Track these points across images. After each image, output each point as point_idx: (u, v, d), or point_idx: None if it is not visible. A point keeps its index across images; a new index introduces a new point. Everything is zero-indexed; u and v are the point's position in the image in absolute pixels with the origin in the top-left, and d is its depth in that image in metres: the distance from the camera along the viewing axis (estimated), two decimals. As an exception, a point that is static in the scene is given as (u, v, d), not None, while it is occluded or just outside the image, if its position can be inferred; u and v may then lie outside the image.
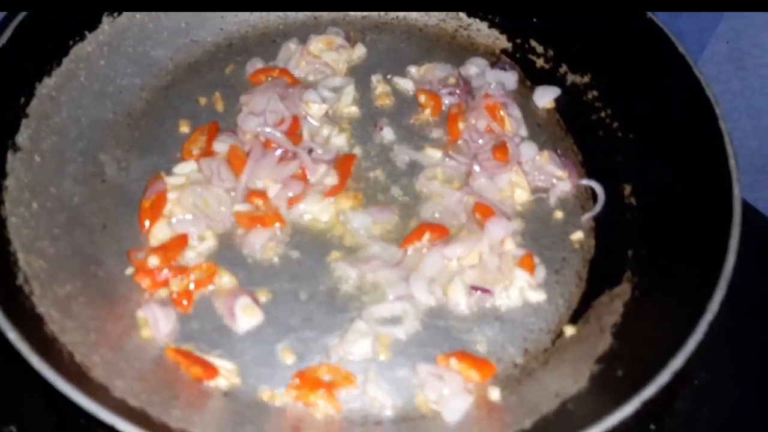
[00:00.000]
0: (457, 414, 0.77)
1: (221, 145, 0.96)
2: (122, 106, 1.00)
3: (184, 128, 1.00)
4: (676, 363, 0.67)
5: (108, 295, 0.83)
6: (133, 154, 0.97)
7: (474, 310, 0.85)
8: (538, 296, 0.86)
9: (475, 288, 0.85)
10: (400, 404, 0.79)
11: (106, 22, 1.00)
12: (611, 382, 0.72)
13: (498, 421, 0.75)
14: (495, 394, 0.79)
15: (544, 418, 0.72)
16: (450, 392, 0.79)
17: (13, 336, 0.66)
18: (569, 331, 0.84)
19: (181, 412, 0.72)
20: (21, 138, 0.88)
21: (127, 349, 0.79)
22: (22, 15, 0.89)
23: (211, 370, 0.80)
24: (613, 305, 0.83)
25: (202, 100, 1.03)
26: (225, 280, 0.85)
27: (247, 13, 1.10)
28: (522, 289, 0.86)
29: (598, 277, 0.87)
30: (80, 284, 0.82)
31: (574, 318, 0.85)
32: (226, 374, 0.80)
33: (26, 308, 0.73)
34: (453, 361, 0.80)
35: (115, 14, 1.01)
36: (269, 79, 1.04)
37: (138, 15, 1.03)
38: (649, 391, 0.66)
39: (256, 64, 1.07)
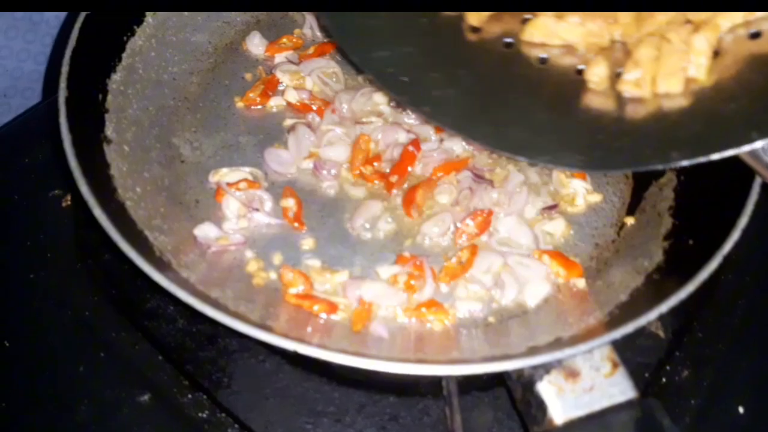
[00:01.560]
0: (537, 299, 0.89)
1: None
2: (179, 92, 1.06)
3: (240, 104, 1.07)
4: (743, 221, 0.80)
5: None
6: (201, 133, 1.04)
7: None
8: (595, 198, 0.98)
9: (544, 209, 0.96)
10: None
11: (149, 15, 1.06)
12: (686, 251, 0.85)
13: (593, 303, 0.87)
14: (580, 283, 0.91)
15: (636, 291, 0.84)
16: (532, 277, 0.90)
17: (183, 296, 0.74)
18: (630, 221, 0.96)
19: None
20: (108, 131, 0.94)
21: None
22: (81, 17, 0.95)
23: (333, 306, 0.89)
24: (663, 192, 0.95)
25: (248, 76, 1.10)
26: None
27: (268, -10, 1.17)
28: (583, 195, 0.97)
29: (643, 173, 1.00)
30: (198, 251, 0.90)
31: (631, 210, 0.97)
32: (345, 308, 0.89)
33: (174, 274, 0.81)
34: (545, 257, 0.91)
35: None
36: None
37: (173, 4, 1.09)
38: (726, 248, 0.78)
39: (254, 39, 1.13)
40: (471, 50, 0.88)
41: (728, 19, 0.78)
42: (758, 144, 0.73)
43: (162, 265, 0.80)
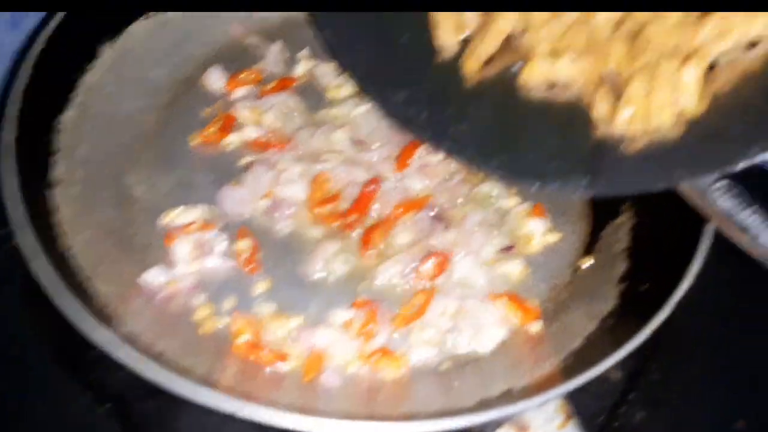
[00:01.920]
0: (492, 343, 0.87)
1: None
2: (134, 129, 1.04)
3: (196, 140, 1.06)
4: (694, 268, 0.79)
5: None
6: (155, 172, 1.02)
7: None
8: (553, 237, 0.97)
9: (501, 250, 0.95)
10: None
11: (105, 50, 1.04)
12: (640, 295, 0.84)
13: (547, 349, 0.86)
14: (536, 327, 0.90)
15: (590, 337, 0.83)
16: (488, 321, 0.89)
17: (122, 354, 0.72)
18: (586, 262, 0.95)
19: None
20: (58, 172, 0.92)
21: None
22: (35, 54, 0.93)
23: (282, 356, 0.87)
24: (619, 233, 0.94)
25: (206, 112, 1.09)
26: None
27: (228, 23, 1.16)
28: (540, 234, 0.96)
29: (600, 211, 0.99)
30: (145, 299, 0.88)
31: (588, 250, 0.96)
32: (296, 357, 0.88)
33: (116, 329, 0.79)
34: (502, 300, 0.90)
35: (112, 41, 1.05)
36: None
37: (131, 39, 1.07)
38: (679, 293, 0.77)
39: (213, 73, 1.11)
40: (476, 86, 0.89)
41: (718, 47, 0.77)
42: (759, 158, 0.72)
43: (104, 319, 0.78)
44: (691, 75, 0.76)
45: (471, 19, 0.89)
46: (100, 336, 0.74)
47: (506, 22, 0.85)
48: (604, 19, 0.80)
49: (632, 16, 0.79)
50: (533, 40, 0.84)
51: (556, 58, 0.83)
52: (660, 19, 0.78)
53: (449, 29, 0.89)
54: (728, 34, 0.75)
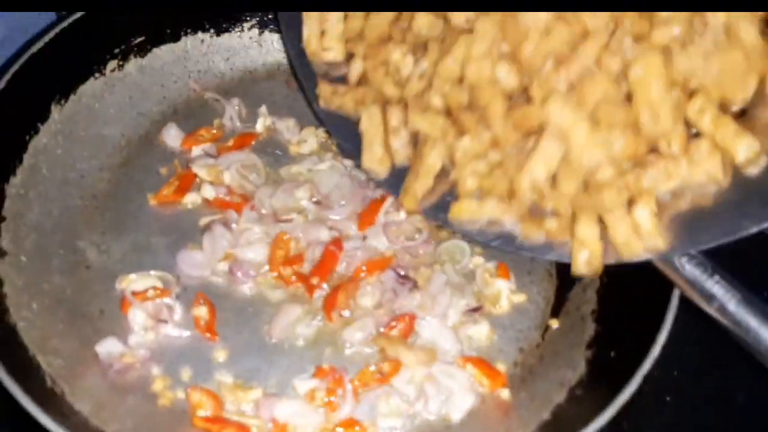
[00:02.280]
0: (461, 411, 0.85)
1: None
2: (87, 190, 1.01)
3: (153, 201, 1.02)
4: (662, 338, 0.78)
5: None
6: (109, 235, 0.98)
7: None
8: (519, 298, 0.96)
9: (468, 311, 0.93)
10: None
11: (55, 111, 1.01)
12: (608, 364, 0.83)
13: (517, 419, 0.84)
14: (505, 394, 0.88)
15: (558, 407, 0.82)
16: (456, 388, 0.86)
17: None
18: (554, 324, 0.94)
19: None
20: (4, 242, 0.88)
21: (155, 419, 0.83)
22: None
23: (245, 429, 0.84)
24: (586, 294, 0.93)
25: (163, 171, 1.06)
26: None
27: (186, 78, 1.13)
28: (507, 295, 0.95)
29: (566, 271, 0.98)
30: (98, 372, 0.84)
31: (556, 312, 0.95)
32: (258, 430, 0.84)
33: (65, 409, 0.75)
34: (469, 365, 0.88)
35: (63, 101, 1.02)
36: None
37: (83, 98, 1.04)
38: (647, 365, 0.76)
39: (170, 131, 1.09)
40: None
41: (665, 186, 0.77)
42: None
43: (53, 399, 0.74)
44: (643, 215, 0.76)
45: (399, 151, 0.90)
46: (48, 422, 0.70)
47: (436, 158, 0.86)
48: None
49: (569, 164, 0.79)
50: (461, 176, 0.85)
51: (483, 198, 0.85)
52: (603, 169, 0.78)
53: (374, 160, 0.91)
54: (671, 178, 0.76)
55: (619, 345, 0.84)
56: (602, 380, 0.81)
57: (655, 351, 0.77)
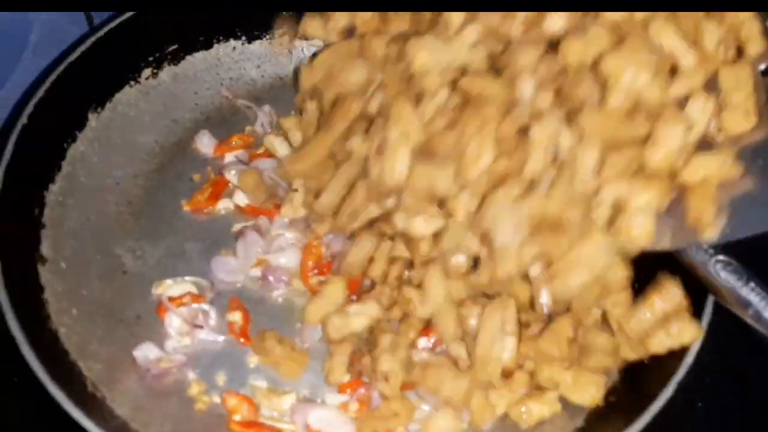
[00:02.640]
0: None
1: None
2: (122, 197, 1.02)
3: (186, 207, 1.04)
4: (696, 343, 0.78)
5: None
6: (145, 241, 1.00)
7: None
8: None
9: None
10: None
11: (92, 119, 1.03)
12: (642, 371, 0.83)
13: (550, 426, 0.84)
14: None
15: (592, 414, 0.82)
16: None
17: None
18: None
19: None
20: (44, 248, 0.90)
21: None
22: (19, 127, 0.92)
23: (281, 435, 0.85)
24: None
25: (196, 177, 1.07)
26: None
27: (218, 85, 1.15)
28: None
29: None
30: (136, 377, 0.86)
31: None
32: (293, 436, 0.86)
33: (106, 414, 0.77)
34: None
35: (99, 109, 1.04)
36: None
37: (119, 106, 1.06)
38: (681, 373, 0.77)
39: (203, 138, 1.10)
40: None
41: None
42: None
43: (94, 403, 0.76)
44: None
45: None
46: (92, 427, 0.72)
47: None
48: None
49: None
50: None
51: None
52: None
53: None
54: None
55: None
56: (636, 387, 0.81)
57: (689, 358, 0.77)
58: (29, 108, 0.93)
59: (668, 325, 0.78)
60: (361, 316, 0.87)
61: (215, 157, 1.09)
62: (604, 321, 0.84)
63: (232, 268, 0.98)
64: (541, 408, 0.82)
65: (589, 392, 0.80)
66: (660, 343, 0.78)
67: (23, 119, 0.92)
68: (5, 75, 1.25)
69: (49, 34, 1.20)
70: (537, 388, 0.84)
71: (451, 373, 0.81)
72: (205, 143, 1.10)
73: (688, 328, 0.78)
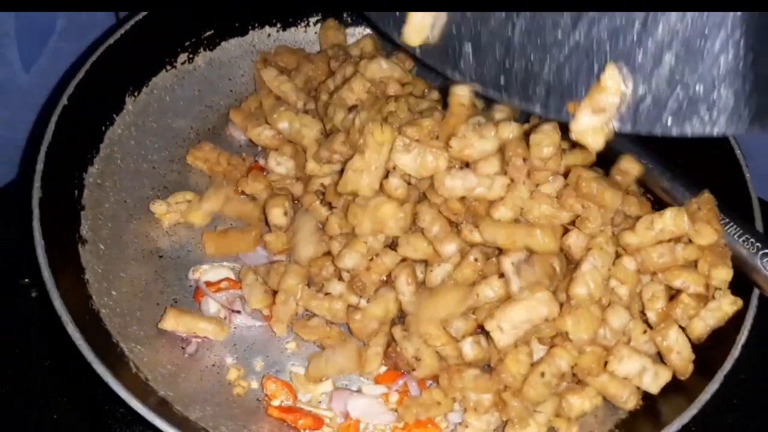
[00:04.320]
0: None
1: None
2: (158, 181, 1.02)
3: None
4: (743, 336, 0.78)
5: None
6: (180, 226, 1.00)
7: None
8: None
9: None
10: None
11: (129, 102, 1.02)
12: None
13: (591, 417, 0.84)
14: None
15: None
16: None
17: (167, 428, 0.70)
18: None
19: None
20: (84, 230, 0.90)
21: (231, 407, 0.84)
22: (60, 108, 0.91)
23: (319, 421, 0.85)
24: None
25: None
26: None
27: (252, 71, 1.14)
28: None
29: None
30: (176, 360, 0.86)
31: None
32: (330, 422, 0.85)
33: (152, 396, 0.76)
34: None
35: (136, 93, 1.03)
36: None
37: (155, 90, 1.06)
38: (728, 365, 0.77)
39: (232, 131, 1.09)
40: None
41: None
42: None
43: (140, 386, 0.75)
44: None
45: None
46: (138, 406, 0.72)
47: None
48: None
49: None
50: None
51: None
52: None
53: None
54: None
55: (699, 345, 0.83)
56: (680, 381, 0.81)
57: (736, 351, 0.77)
58: (70, 89, 0.93)
59: (708, 302, 0.79)
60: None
61: (249, 143, 1.09)
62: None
63: (267, 254, 0.98)
64: (582, 402, 0.81)
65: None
66: (703, 323, 0.78)
67: (64, 100, 0.92)
68: (33, 58, 1.26)
69: (76, 19, 1.20)
70: (578, 382, 0.83)
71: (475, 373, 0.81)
72: (239, 129, 1.09)
73: (728, 300, 0.78)
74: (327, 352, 0.84)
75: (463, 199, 0.84)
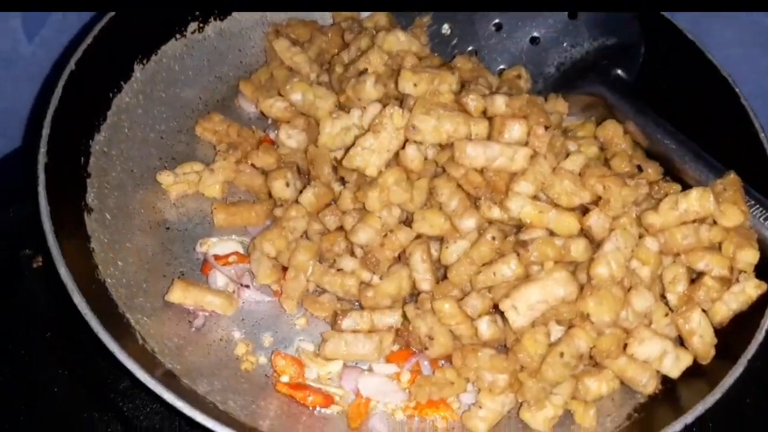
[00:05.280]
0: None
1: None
2: (166, 151, 1.00)
3: (230, 165, 1.01)
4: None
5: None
6: (188, 197, 0.97)
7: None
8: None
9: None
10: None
11: (137, 70, 1.00)
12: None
13: (609, 400, 0.82)
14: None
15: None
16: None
17: (174, 401, 0.68)
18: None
19: None
20: (90, 198, 0.87)
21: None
22: (67, 72, 0.88)
23: (328, 398, 0.82)
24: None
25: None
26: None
27: (263, 44, 1.12)
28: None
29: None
30: (183, 332, 0.84)
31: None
32: (340, 400, 0.83)
33: (160, 368, 0.74)
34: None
35: (145, 61, 1.01)
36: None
37: (164, 59, 1.03)
38: (752, 348, 0.75)
39: (241, 102, 1.07)
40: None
41: None
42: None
43: (147, 358, 0.73)
44: None
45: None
46: (145, 377, 0.69)
47: None
48: None
49: None
50: None
51: None
52: None
53: None
54: None
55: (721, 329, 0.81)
56: (700, 367, 0.79)
57: (760, 336, 0.75)
58: (78, 54, 0.90)
59: (732, 285, 0.77)
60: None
61: (258, 116, 1.06)
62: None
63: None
64: (600, 384, 0.79)
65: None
66: (725, 306, 0.76)
67: (71, 65, 0.89)
68: (37, 29, 1.23)
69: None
70: (594, 365, 0.81)
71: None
72: (249, 101, 1.07)
73: (752, 283, 0.77)
74: (348, 337, 0.82)
75: (482, 172, 0.81)
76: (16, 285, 1.00)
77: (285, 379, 0.83)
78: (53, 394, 0.91)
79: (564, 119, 0.95)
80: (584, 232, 0.81)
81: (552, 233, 0.81)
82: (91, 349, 0.86)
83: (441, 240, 0.86)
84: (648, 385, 0.79)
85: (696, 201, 0.78)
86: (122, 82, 0.97)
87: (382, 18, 1.09)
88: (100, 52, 0.93)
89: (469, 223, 0.81)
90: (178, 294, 0.84)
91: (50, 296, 0.97)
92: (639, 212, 0.81)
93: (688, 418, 0.71)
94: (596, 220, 0.79)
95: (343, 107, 0.93)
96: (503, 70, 1.04)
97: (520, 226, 0.83)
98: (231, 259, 0.91)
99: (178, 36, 1.05)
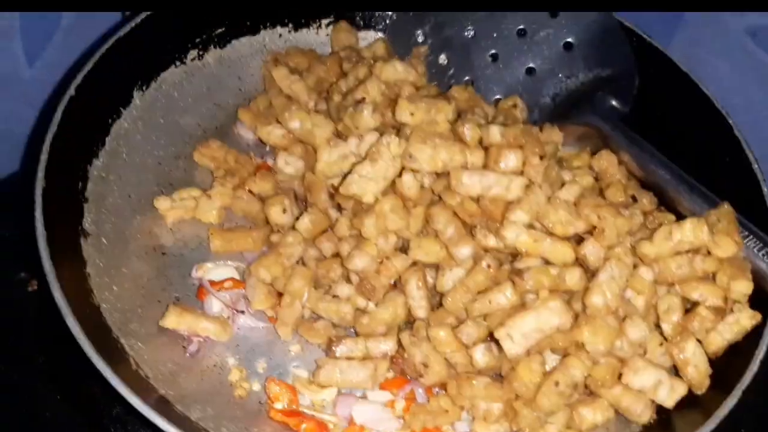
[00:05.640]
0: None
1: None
2: (163, 177, 1.00)
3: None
4: (761, 353, 0.76)
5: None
6: (185, 223, 0.97)
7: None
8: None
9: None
10: None
11: (137, 97, 1.01)
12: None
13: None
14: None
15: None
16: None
17: (167, 427, 0.67)
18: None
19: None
20: (87, 223, 0.88)
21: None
22: (66, 98, 0.89)
23: (322, 426, 0.82)
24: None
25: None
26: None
27: (258, 72, 1.13)
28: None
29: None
30: (177, 358, 0.83)
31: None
32: (334, 428, 0.83)
33: (153, 394, 0.74)
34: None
35: (144, 88, 1.02)
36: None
37: (164, 86, 1.04)
38: (746, 380, 0.75)
39: (239, 129, 1.08)
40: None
41: None
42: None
43: (140, 383, 0.73)
44: None
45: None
46: (139, 403, 0.69)
47: None
48: None
49: None
50: None
51: None
52: None
53: None
54: None
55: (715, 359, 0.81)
56: (695, 396, 0.79)
57: (755, 367, 0.76)
58: (78, 80, 0.91)
59: (726, 315, 0.78)
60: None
61: (257, 143, 1.07)
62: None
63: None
64: (594, 414, 0.79)
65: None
66: (720, 336, 0.77)
67: (71, 91, 0.90)
68: (38, 53, 1.24)
69: (82, 15, 1.19)
70: (589, 394, 0.81)
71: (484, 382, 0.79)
72: (247, 129, 1.07)
73: (747, 314, 0.77)
74: (342, 364, 0.81)
75: (478, 201, 0.82)
76: (10, 309, 1.00)
77: (279, 406, 0.82)
78: (46, 419, 0.90)
79: (559, 149, 0.96)
80: (579, 262, 0.81)
81: (547, 262, 0.81)
82: (85, 374, 0.87)
83: (437, 267, 0.86)
84: (643, 415, 0.78)
85: (690, 231, 0.78)
86: (121, 108, 0.98)
87: (380, 48, 1.10)
88: (100, 78, 0.94)
89: (464, 251, 0.82)
90: (173, 319, 0.84)
91: (44, 321, 0.97)
92: (634, 242, 0.82)
93: (683, 448, 0.71)
94: (591, 250, 0.80)
95: (340, 135, 0.94)
96: (499, 100, 1.05)
97: (515, 255, 0.83)
98: (226, 284, 0.91)
99: (177, 63, 1.06)
